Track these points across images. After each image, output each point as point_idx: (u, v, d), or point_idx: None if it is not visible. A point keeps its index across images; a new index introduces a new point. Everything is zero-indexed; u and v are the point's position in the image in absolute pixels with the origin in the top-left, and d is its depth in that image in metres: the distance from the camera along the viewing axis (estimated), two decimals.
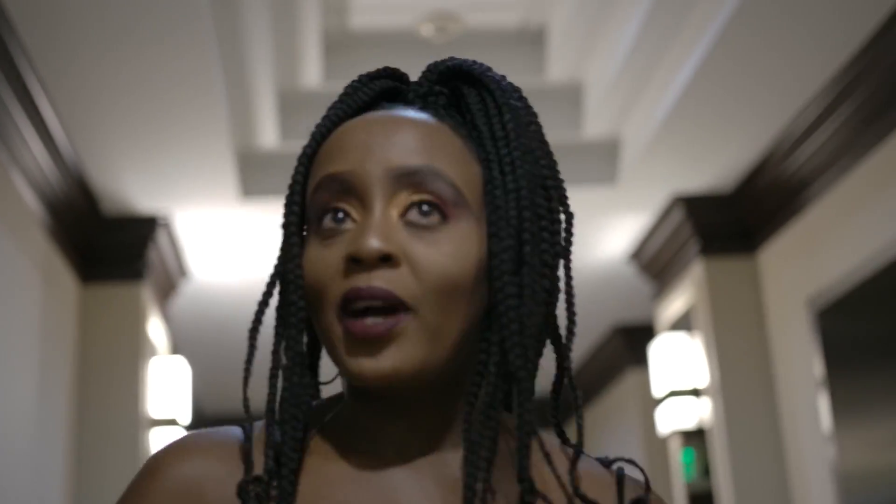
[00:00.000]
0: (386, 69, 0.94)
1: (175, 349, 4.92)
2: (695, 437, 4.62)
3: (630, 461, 0.94)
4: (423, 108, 0.90)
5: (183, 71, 3.27)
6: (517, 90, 0.93)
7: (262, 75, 3.76)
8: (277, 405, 0.85)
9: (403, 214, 0.83)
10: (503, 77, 0.92)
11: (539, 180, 0.89)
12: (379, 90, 0.92)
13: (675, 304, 4.68)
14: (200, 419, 6.96)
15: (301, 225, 0.87)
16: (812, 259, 3.95)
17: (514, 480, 0.83)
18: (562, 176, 0.93)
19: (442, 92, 0.92)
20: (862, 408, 3.75)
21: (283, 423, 0.84)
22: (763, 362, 4.29)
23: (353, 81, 0.92)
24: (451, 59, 0.94)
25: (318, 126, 0.90)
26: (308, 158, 0.88)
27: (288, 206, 0.87)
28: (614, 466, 0.94)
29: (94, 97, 3.37)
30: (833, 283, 3.78)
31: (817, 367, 3.87)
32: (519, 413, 0.83)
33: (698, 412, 4.45)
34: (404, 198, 0.83)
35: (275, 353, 0.87)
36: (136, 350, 4.12)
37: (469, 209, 0.84)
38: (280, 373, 0.86)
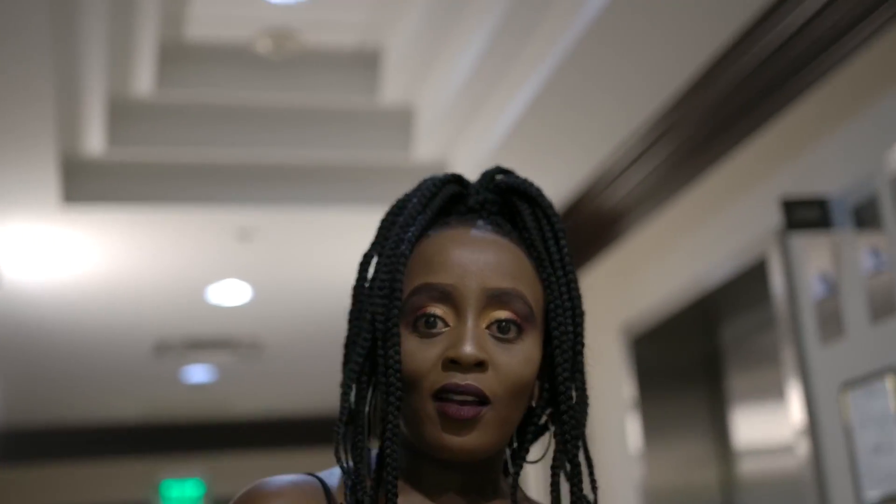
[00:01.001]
0: (453, 175, 1.13)
1: None
2: None
3: None
4: (480, 215, 1.11)
5: (12, 70, 3.18)
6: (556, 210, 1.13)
7: (94, 81, 3.68)
8: (387, 461, 1.02)
9: (489, 325, 1.04)
10: (549, 199, 1.12)
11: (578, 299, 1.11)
12: (448, 195, 1.11)
13: None
14: (4, 427, 6.70)
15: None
16: (627, 287, 4.15)
17: None
18: None
19: (497, 202, 1.12)
20: (669, 429, 3.97)
21: (388, 476, 1.02)
22: None
23: (425, 183, 1.11)
24: (506, 172, 1.14)
25: (404, 228, 1.08)
26: (403, 260, 1.06)
27: (390, 303, 1.04)
28: None
29: None
30: (646, 310, 3.99)
31: (628, 390, 4.06)
32: (574, 490, 1.08)
33: None
34: (492, 313, 1.04)
35: (355, 412, 1.06)
36: None
37: (536, 323, 1.06)
38: (389, 435, 1.03)
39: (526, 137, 3.81)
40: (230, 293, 5.29)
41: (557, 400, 1.07)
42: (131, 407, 7.49)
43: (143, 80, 3.95)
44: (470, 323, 1.03)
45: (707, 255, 3.60)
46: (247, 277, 5.06)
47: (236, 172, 4.27)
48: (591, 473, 1.10)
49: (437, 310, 1.04)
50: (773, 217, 3.15)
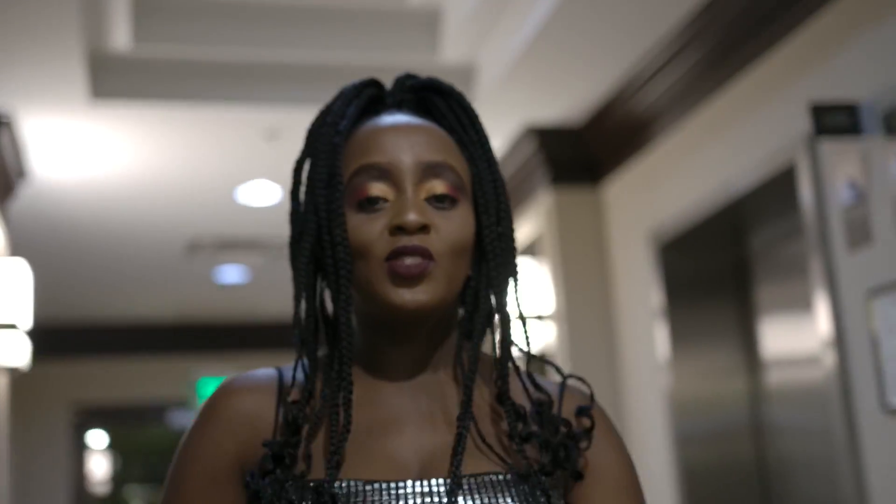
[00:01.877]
0: (370, 79, 1.24)
1: (14, 251, 4.77)
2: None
3: (578, 378, 1.24)
4: (400, 111, 1.21)
5: None
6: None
7: None
8: (340, 333, 1.13)
9: (427, 195, 1.14)
10: (459, 91, 1.24)
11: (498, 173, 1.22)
12: (369, 96, 1.22)
13: (523, 231, 4.79)
14: (39, 325, 6.79)
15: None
16: (654, 194, 4.10)
17: (484, 392, 1.18)
18: None
19: (412, 100, 1.23)
20: (697, 339, 3.95)
21: (342, 350, 1.13)
22: (605, 291, 4.44)
23: (346, 90, 1.21)
24: (413, 76, 1.25)
25: (335, 124, 1.18)
26: (340, 149, 1.16)
27: (334, 187, 1.14)
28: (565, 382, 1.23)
29: None
30: (673, 217, 3.94)
31: (656, 298, 4.04)
32: (503, 336, 1.17)
33: (542, 337, 4.58)
34: (427, 185, 1.14)
35: (307, 299, 1.16)
36: None
37: (466, 194, 1.17)
38: (340, 309, 1.14)
39: (553, 41, 3.74)
40: (259, 193, 5.28)
41: (486, 258, 1.17)
42: (165, 306, 7.58)
43: None
44: (409, 194, 1.13)
45: (735, 161, 3.54)
46: (276, 178, 5.05)
47: (263, 72, 4.23)
48: (525, 329, 1.19)
49: (378, 188, 1.14)
50: (803, 123, 3.07)
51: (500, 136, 4.55)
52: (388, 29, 4.25)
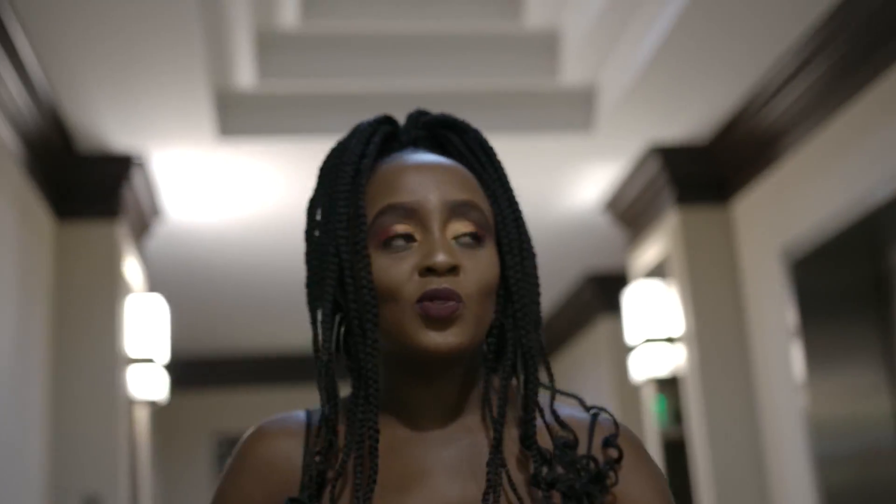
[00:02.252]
0: (384, 116, 1.21)
1: (151, 288, 4.91)
2: (667, 385, 4.68)
3: (601, 408, 1.20)
4: (415, 149, 1.20)
5: (159, 8, 3.24)
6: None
7: (239, 15, 3.72)
8: (367, 376, 1.11)
9: (454, 236, 1.12)
10: (474, 128, 1.22)
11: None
12: (385, 133, 1.20)
13: (650, 252, 4.72)
14: (179, 358, 6.98)
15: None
16: (786, 210, 3.99)
17: (512, 433, 1.15)
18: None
19: (427, 137, 1.22)
20: (834, 357, 3.81)
21: (368, 398, 1.10)
22: (737, 311, 4.34)
23: (361, 127, 1.19)
24: (425, 113, 1.24)
25: (354, 163, 1.15)
26: (362, 189, 1.14)
27: (358, 227, 1.12)
28: (591, 412, 1.19)
29: (71, 33, 3.33)
30: (806, 233, 3.82)
31: (790, 317, 3.92)
32: (526, 378, 1.14)
33: (672, 360, 4.50)
34: (454, 225, 1.12)
35: (325, 342, 1.13)
36: (112, 288, 4.11)
37: (491, 233, 1.15)
38: (366, 357, 1.11)
39: (674, 57, 3.68)
40: None
41: (512, 298, 1.15)
42: (298, 337, 7.68)
43: (288, 11, 3.98)
44: (437, 234, 1.11)
45: (871, 172, 3.41)
46: None
47: (385, 101, 4.27)
48: (548, 369, 1.16)
49: (404, 228, 1.12)
50: None
51: (623, 157, 4.50)
52: (508, 53, 4.25)
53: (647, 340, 4.54)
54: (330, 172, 1.18)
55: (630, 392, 5.62)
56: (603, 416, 1.18)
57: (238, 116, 4.17)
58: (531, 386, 1.14)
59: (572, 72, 4.17)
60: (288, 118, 4.22)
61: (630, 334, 4.76)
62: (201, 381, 7.83)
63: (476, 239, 1.13)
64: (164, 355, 4.47)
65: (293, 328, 7.48)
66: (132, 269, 4.41)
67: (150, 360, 4.30)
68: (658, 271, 4.66)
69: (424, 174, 1.14)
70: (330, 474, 1.11)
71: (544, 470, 1.11)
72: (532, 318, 1.15)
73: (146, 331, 4.32)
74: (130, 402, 4.27)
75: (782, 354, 4.01)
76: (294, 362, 8.03)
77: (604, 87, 4.17)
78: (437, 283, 1.09)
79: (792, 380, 3.94)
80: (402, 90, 4.26)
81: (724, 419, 4.22)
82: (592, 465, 1.12)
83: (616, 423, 1.17)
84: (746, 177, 4.26)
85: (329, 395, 1.13)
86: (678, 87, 3.92)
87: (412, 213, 1.11)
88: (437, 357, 1.10)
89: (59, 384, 3.97)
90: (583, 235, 5.43)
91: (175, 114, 3.91)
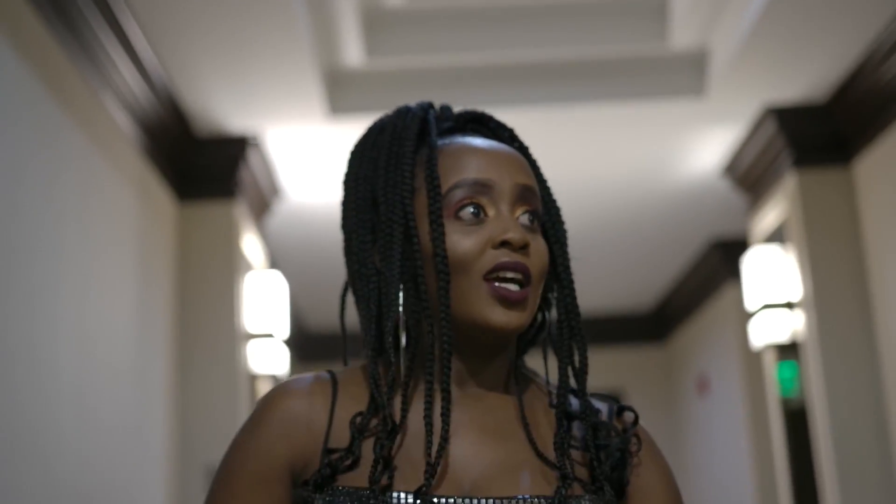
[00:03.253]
0: (428, 103, 1.27)
1: (272, 265, 5.04)
2: (790, 351, 4.58)
3: (615, 399, 1.25)
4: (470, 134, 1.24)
5: None
6: None
7: None
8: (442, 340, 1.14)
9: (517, 218, 1.17)
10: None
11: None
12: (430, 119, 1.24)
13: (769, 216, 4.61)
14: (301, 333, 7.14)
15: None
16: None
17: (537, 408, 1.21)
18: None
19: (454, 129, 1.26)
20: None
21: (440, 354, 1.14)
22: (858, 275, 4.21)
23: (414, 109, 1.25)
24: (448, 108, 1.28)
25: (412, 140, 1.20)
26: (436, 160, 1.18)
27: (433, 197, 1.15)
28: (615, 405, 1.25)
29: (182, 20, 3.44)
30: None
31: None
32: (580, 361, 1.19)
33: (792, 325, 4.40)
34: (521, 207, 1.17)
35: (392, 308, 1.17)
36: (231, 265, 4.24)
37: (540, 223, 1.21)
38: (428, 320, 1.16)
39: (786, 14, 3.58)
40: None
41: (561, 284, 1.21)
42: None
43: None
44: (506, 213, 1.16)
45: None
46: None
47: (495, 74, 4.28)
48: (583, 352, 1.20)
49: (477, 202, 1.16)
50: None
51: (740, 120, 4.40)
52: (616, 20, 4.20)
53: (766, 306, 4.44)
54: (378, 148, 1.22)
55: (754, 359, 5.53)
56: (628, 412, 1.23)
57: (348, 94, 4.23)
58: (583, 366, 1.20)
59: (682, 36, 4.10)
60: (397, 95, 4.26)
61: (749, 300, 4.67)
62: (331, 355, 7.99)
63: (535, 223, 1.18)
64: (284, 330, 4.58)
65: None
66: (252, 246, 4.54)
67: (270, 335, 4.42)
68: (778, 236, 4.55)
69: (495, 156, 1.19)
70: (371, 427, 1.13)
71: (590, 434, 1.17)
72: (576, 303, 1.21)
73: (266, 307, 4.44)
74: (252, 377, 4.40)
75: None
76: None
77: (715, 49, 4.08)
78: (511, 257, 1.14)
79: None
80: (510, 62, 4.26)
81: (845, 385, 4.10)
82: (615, 435, 1.18)
83: (637, 418, 1.22)
84: (867, 136, 4.11)
85: (392, 358, 1.16)
86: (791, 46, 3.81)
87: (485, 189, 1.16)
88: (504, 334, 1.14)
89: (183, 360, 4.12)
90: (705, 202, 5.34)
91: (286, 94, 3.99)
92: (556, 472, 1.13)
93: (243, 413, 4.15)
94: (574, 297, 1.21)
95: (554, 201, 1.25)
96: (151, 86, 3.69)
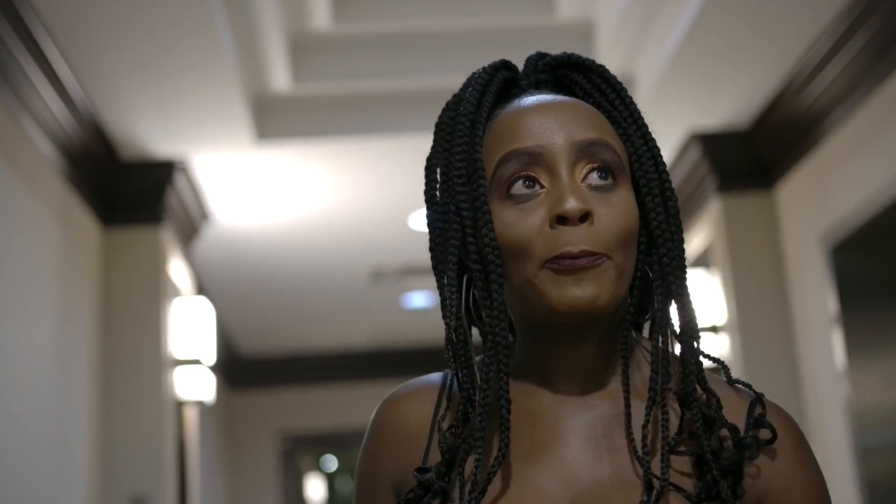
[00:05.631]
0: (502, 61, 1.12)
1: (201, 290, 5.00)
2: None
3: (757, 393, 1.06)
4: (537, 92, 1.09)
5: (189, 15, 3.30)
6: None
7: (271, 19, 3.77)
8: (496, 354, 1.00)
9: (583, 179, 1.02)
10: (600, 65, 1.12)
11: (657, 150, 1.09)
12: (503, 80, 1.10)
13: (694, 241, 4.67)
14: (231, 358, 7.09)
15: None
16: (826, 194, 3.92)
17: (641, 393, 1.05)
18: None
19: (549, 80, 1.12)
20: (875, 344, 3.73)
21: (499, 365, 1.00)
22: (780, 299, 4.28)
23: (476, 75, 1.10)
24: (544, 55, 1.14)
25: (471, 113, 1.06)
26: (479, 139, 1.04)
27: (475, 181, 1.02)
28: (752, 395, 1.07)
29: (104, 43, 3.41)
30: (846, 217, 3.75)
31: (831, 304, 3.86)
32: (682, 330, 1.04)
33: (717, 349, 4.46)
34: (583, 166, 1.02)
35: (451, 306, 1.03)
36: (158, 292, 4.20)
37: (626, 175, 1.04)
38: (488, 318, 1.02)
39: (707, 40, 3.63)
40: None
41: (656, 244, 1.04)
42: (356, 334, 7.76)
43: (320, 14, 4.02)
44: (566, 178, 1.01)
45: None
46: None
47: (418, 99, 4.29)
48: (693, 320, 1.05)
49: (529, 176, 1.02)
50: None
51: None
52: (543, 46, 4.22)
53: None
54: (445, 127, 1.09)
55: None
56: (767, 402, 1.06)
57: (275, 119, 4.23)
58: (691, 339, 1.03)
59: (607, 61, 4.15)
60: (324, 119, 4.27)
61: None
62: (263, 381, 7.94)
63: (612, 179, 1.02)
64: (212, 356, 4.55)
65: (350, 326, 7.56)
66: (179, 272, 4.50)
67: (198, 361, 4.38)
68: (703, 260, 4.61)
69: (546, 115, 1.04)
70: (461, 444, 1.02)
71: (705, 443, 0.98)
72: (680, 265, 1.04)
73: (193, 332, 4.40)
74: (178, 403, 4.35)
75: (824, 342, 3.95)
76: (354, 359, 8.12)
77: (639, 75, 4.14)
78: (572, 246, 0.98)
79: (833, 367, 3.88)
80: (435, 87, 4.28)
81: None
82: (733, 434, 1.00)
83: (764, 409, 1.05)
84: (788, 161, 4.19)
85: (462, 362, 1.04)
86: (715, 72, 3.88)
87: (536, 157, 1.02)
88: (574, 316, 0.99)
89: (107, 386, 4.07)
90: None
91: (213, 119, 3.97)
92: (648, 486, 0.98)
93: (169, 439, 4.11)
94: (672, 257, 1.03)
95: (647, 146, 1.06)
96: (74, 111, 3.65)
